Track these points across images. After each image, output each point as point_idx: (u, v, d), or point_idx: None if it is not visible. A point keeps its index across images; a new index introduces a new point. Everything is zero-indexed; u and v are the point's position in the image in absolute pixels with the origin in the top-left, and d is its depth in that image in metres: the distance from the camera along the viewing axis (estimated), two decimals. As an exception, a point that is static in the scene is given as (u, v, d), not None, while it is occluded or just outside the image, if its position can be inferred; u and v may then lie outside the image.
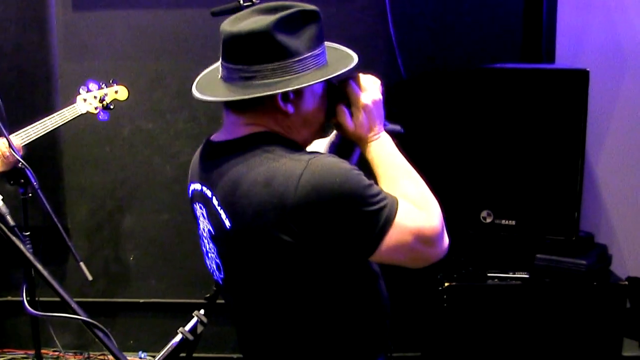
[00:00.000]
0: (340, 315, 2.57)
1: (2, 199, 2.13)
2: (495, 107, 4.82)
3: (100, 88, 5.20)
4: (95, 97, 5.17)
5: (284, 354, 2.64)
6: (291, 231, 2.30)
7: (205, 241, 2.64)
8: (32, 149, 5.12)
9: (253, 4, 4.57)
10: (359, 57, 2.58)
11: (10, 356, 6.52)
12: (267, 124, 2.49)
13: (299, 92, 2.44)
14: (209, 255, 2.66)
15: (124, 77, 5.51)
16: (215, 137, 2.62)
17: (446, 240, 2.43)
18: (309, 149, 2.70)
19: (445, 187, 5.41)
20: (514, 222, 4.79)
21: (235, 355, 6.12)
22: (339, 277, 2.50)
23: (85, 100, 5.15)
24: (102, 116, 5.22)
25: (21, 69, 6.07)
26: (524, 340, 4.70)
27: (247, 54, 2.40)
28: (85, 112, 5.14)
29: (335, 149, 2.73)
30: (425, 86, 5.58)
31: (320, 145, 2.83)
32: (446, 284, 4.71)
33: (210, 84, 2.60)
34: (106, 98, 5.20)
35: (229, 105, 2.52)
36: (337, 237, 2.32)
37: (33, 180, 4.62)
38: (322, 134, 2.73)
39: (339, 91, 2.58)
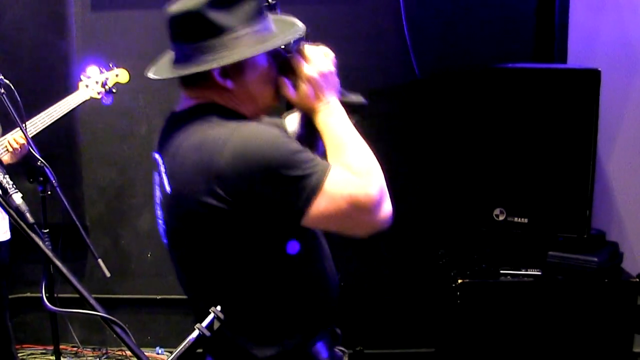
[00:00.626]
0: (275, 283, 2.56)
1: (22, 197, 2.14)
2: (507, 107, 4.83)
3: (100, 73, 5.22)
4: (96, 82, 5.18)
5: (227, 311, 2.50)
6: (219, 196, 2.32)
7: (157, 208, 2.69)
8: (50, 148, 5.16)
9: (269, 5, 4.60)
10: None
11: (29, 351, 6.56)
12: (211, 97, 2.54)
13: (237, 67, 2.47)
14: (159, 221, 2.70)
15: (142, 77, 5.51)
16: (174, 111, 2.67)
17: (385, 209, 2.39)
18: (288, 123, 2.84)
19: (458, 185, 5.46)
20: (526, 220, 4.79)
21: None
22: (271, 244, 2.48)
23: (87, 86, 5.17)
24: (106, 100, 5.24)
25: (40, 68, 6.10)
26: (535, 336, 4.70)
27: (183, 33, 2.47)
28: (88, 97, 5.17)
29: (305, 121, 2.73)
30: (438, 85, 5.58)
31: (293, 119, 2.87)
32: (459, 281, 4.72)
33: (162, 65, 2.67)
34: (108, 82, 5.20)
35: (180, 82, 2.59)
36: (263, 201, 2.33)
37: (52, 178, 4.64)
38: (275, 105, 2.72)
39: (286, 64, 2.59)
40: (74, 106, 5.11)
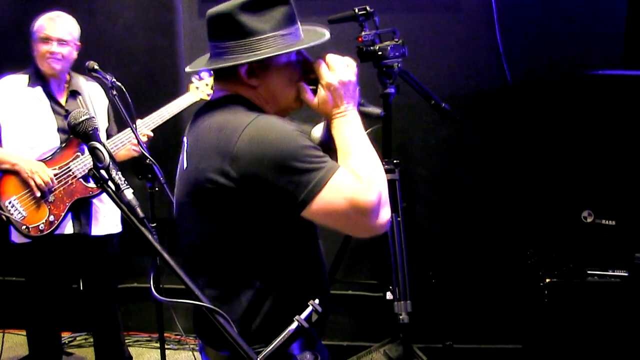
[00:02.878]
0: (267, 267, 2.58)
1: (132, 193, 2.17)
2: (597, 112, 4.78)
3: (210, 76, 5.30)
4: (206, 85, 5.33)
5: (222, 289, 2.63)
6: (228, 175, 2.40)
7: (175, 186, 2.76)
8: (158, 147, 5.23)
9: (367, 13, 4.63)
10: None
11: (135, 338, 6.69)
12: (238, 91, 2.66)
13: (263, 67, 2.59)
14: (174, 200, 2.80)
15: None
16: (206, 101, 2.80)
17: (382, 216, 2.43)
18: (315, 131, 2.88)
19: (548, 188, 5.41)
20: (613, 222, 4.73)
21: (345, 343, 6.14)
22: (269, 228, 2.53)
23: (197, 88, 5.30)
24: None
25: (151, 72, 6.22)
26: (621, 336, 4.64)
27: (217, 33, 2.59)
28: (198, 99, 5.32)
29: (329, 128, 2.72)
30: (529, 91, 5.54)
31: (319, 127, 2.90)
32: (547, 280, 4.69)
33: (199, 61, 2.82)
34: None
35: (214, 76, 2.77)
36: (269, 187, 2.39)
37: (160, 176, 4.72)
38: (297, 108, 2.78)
39: (310, 69, 2.67)
40: (184, 107, 5.22)
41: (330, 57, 2.65)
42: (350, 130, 2.59)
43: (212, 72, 2.79)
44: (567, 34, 5.57)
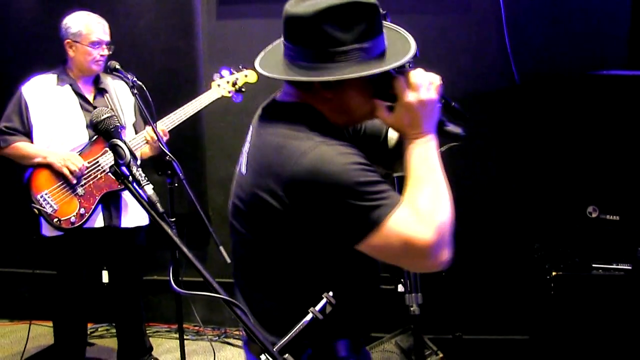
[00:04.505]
0: (310, 285, 2.44)
1: (153, 188, 2.18)
2: (602, 111, 4.78)
3: (231, 74, 5.38)
4: (227, 82, 5.35)
5: (262, 299, 2.57)
6: (281, 200, 2.29)
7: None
8: (178, 144, 5.26)
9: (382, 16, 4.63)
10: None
11: (155, 329, 6.73)
12: (309, 99, 2.44)
13: (339, 81, 2.33)
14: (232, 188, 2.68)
15: (261, 80, 5.58)
16: (276, 96, 2.62)
17: (443, 255, 2.25)
18: (392, 131, 2.75)
19: (554, 184, 5.42)
20: (617, 217, 4.74)
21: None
22: (310, 251, 2.41)
23: (219, 85, 5.33)
24: (236, 98, 5.40)
25: (170, 71, 6.25)
26: (625, 327, 4.65)
27: (296, 35, 2.37)
28: (220, 96, 5.35)
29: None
30: (536, 90, 5.55)
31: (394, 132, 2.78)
32: (553, 273, 4.69)
33: (272, 59, 2.56)
34: (238, 82, 5.36)
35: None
36: (321, 220, 2.28)
37: (179, 172, 4.76)
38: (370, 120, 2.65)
39: (389, 85, 2.42)
40: (207, 104, 5.25)
41: (412, 74, 2.41)
42: (423, 155, 2.38)
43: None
44: (573, 35, 5.58)
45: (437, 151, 2.40)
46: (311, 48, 2.34)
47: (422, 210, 2.25)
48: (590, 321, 4.68)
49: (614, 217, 4.75)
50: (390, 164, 2.79)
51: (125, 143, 2.24)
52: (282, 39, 2.50)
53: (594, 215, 4.81)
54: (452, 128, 2.52)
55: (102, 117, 2.26)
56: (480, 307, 5.87)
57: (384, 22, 2.46)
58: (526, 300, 5.54)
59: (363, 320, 2.65)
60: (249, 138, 2.61)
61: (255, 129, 2.57)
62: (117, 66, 4.93)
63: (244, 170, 2.52)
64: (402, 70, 2.42)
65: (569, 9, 5.60)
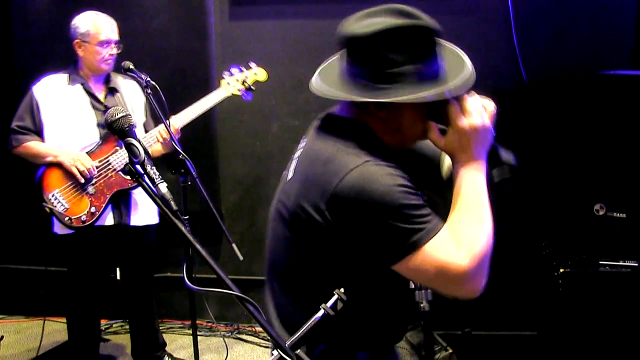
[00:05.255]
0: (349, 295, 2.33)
1: (166, 187, 2.19)
2: (608, 110, 4.79)
3: (241, 72, 5.38)
4: (237, 80, 5.35)
5: (290, 303, 2.57)
6: (323, 214, 2.29)
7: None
8: (191, 143, 5.27)
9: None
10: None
11: (168, 325, 6.75)
12: (363, 117, 2.43)
13: (394, 102, 2.31)
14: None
15: (274, 80, 5.61)
16: (332, 110, 2.60)
17: (478, 284, 2.25)
18: (447, 157, 2.65)
19: (561, 183, 5.42)
20: (624, 215, 4.73)
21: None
22: (347, 265, 2.38)
23: (228, 83, 5.34)
24: (246, 97, 5.40)
25: (183, 72, 6.27)
26: (632, 324, 4.65)
27: (354, 54, 2.36)
28: (230, 94, 5.34)
29: None
30: (544, 90, 5.54)
31: None
32: (561, 270, 4.70)
33: (330, 75, 2.52)
34: (247, 80, 5.35)
35: None
36: (360, 238, 2.27)
37: (192, 170, 4.76)
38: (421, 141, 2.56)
39: (443, 108, 2.38)
40: (217, 102, 5.25)
41: (466, 99, 2.37)
42: (470, 181, 2.36)
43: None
44: (581, 36, 5.58)
45: (484, 179, 2.39)
46: (367, 68, 2.33)
47: (462, 237, 2.25)
48: (597, 317, 4.69)
49: (621, 214, 4.75)
50: (442, 191, 2.72)
51: (139, 142, 2.25)
52: (339, 54, 2.50)
53: (601, 212, 4.81)
54: (505, 156, 2.47)
55: (117, 116, 2.27)
56: (489, 304, 5.86)
57: (440, 40, 2.46)
58: (534, 297, 5.54)
59: (386, 334, 2.63)
60: (301, 145, 2.62)
61: (309, 139, 2.56)
62: (131, 66, 4.94)
63: (290, 175, 2.53)
64: (457, 95, 2.37)
65: (577, 9, 5.61)
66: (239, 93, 5.32)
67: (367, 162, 2.27)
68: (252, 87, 5.36)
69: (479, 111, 2.36)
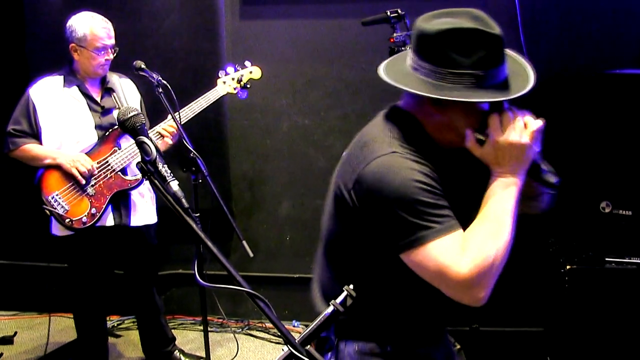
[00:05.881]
0: (376, 283, 2.52)
1: (178, 184, 2.20)
2: (615, 109, 4.79)
3: (236, 70, 5.40)
4: (233, 79, 5.36)
5: (331, 284, 2.65)
6: (350, 195, 2.40)
7: None
8: (202, 142, 5.28)
9: (399, 15, 4.66)
10: None
11: (179, 321, 6.77)
12: (417, 111, 2.48)
13: (448, 102, 2.32)
14: None
15: (284, 79, 5.62)
16: (398, 102, 2.63)
17: (477, 294, 2.26)
18: None
19: (568, 180, 5.41)
20: (630, 213, 4.74)
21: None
22: (375, 251, 2.43)
23: (224, 82, 5.36)
24: (241, 94, 5.41)
25: (194, 71, 6.27)
26: (638, 320, 4.65)
27: (419, 48, 2.38)
28: (225, 93, 5.36)
29: None
30: (552, 89, 5.53)
31: None
32: (568, 267, 4.70)
33: (401, 64, 2.52)
34: (242, 78, 5.37)
35: None
36: (374, 223, 2.36)
37: (203, 168, 4.77)
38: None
39: (484, 117, 2.39)
40: (213, 100, 5.27)
41: (506, 115, 2.37)
42: (499, 195, 2.35)
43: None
44: (588, 34, 5.57)
45: (514, 197, 2.36)
46: (429, 64, 2.34)
47: (470, 245, 2.27)
48: (603, 314, 4.69)
49: (627, 212, 4.76)
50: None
51: (151, 140, 2.27)
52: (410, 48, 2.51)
53: (607, 210, 4.81)
54: (546, 176, 2.46)
55: (129, 115, 2.30)
56: (496, 300, 5.86)
57: (513, 55, 2.52)
58: (541, 293, 5.54)
59: (414, 327, 2.65)
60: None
61: (369, 123, 2.62)
62: (142, 65, 4.94)
63: (344, 153, 2.62)
64: (500, 108, 2.38)
65: (583, 8, 5.60)
66: (234, 91, 5.34)
67: (394, 152, 2.36)
68: (248, 85, 5.38)
69: (518, 128, 2.35)
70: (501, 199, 2.34)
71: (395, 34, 4.61)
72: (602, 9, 5.57)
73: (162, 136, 5.14)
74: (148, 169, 2.23)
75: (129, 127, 2.30)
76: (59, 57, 6.01)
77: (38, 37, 6.50)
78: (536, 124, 2.39)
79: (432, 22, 2.35)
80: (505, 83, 2.39)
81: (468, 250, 2.25)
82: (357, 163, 2.39)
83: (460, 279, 2.23)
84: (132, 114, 2.30)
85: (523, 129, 2.35)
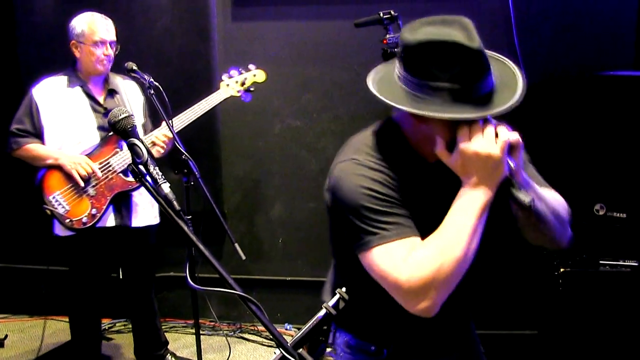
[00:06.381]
0: (351, 275, 2.56)
1: (169, 187, 2.20)
2: (608, 111, 4.80)
3: (240, 73, 5.38)
4: (236, 82, 5.34)
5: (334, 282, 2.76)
6: (325, 196, 2.50)
7: None
8: (194, 144, 5.27)
9: (392, 17, 4.66)
10: None
11: (171, 324, 6.77)
12: (402, 121, 2.49)
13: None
14: None
15: (276, 81, 5.62)
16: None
17: (419, 304, 2.23)
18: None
19: (561, 183, 5.42)
20: (624, 215, 4.74)
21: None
22: (350, 252, 2.42)
23: (227, 85, 5.33)
24: (245, 97, 5.40)
25: (186, 73, 6.27)
26: (632, 323, 4.65)
27: (402, 58, 2.32)
28: (228, 96, 5.34)
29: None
30: (545, 91, 5.54)
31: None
32: (561, 270, 4.71)
33: (389, 67, 2.48)
34: (246, 82, 5.36)
35: None
36: (337, 225, 2.49)
37: (195, 171, 4.77)
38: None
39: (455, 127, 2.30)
40: (216, 104, 5.25)
41: (475, 125, 2.27)
42: (461, 209, 2.28)
43: None
44: (581, 36, 5.59)
45: (478, 210, 2.27)
46: (409, 73, 2.30)
47: (418, 254, 2.25)
48: (597, 317, 4.70)
49: (621, 214, 4.76)
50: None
51: (142, 142, 2.26)
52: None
53: (601, 212, 4.81)
54: (519, 194, 2.30)
55: (121, 117, 2.28)
56: (489, 303, 5.88)
57: (507, 62, 2.47)
58: (535, 296, 5.55)
59: (393, 328, 2.64)
60: None
61: None
62: (134, 67, 4.95)
63: None
64: (471, 119, 2.26)
65: (577, 10, 5.61)
66: (238, 94, 5.32)
67: (353, 159, 2.42)
68: (251, 89, 5.36)
69: (487, 137, 2.26)
70: (462, 212, 2.28)
71: (388, 36, 4.61)
72: (596, 10, 5.58)
73: (155, 145, 5.13)
74: (139, 171, 2.23)
75: (120, 129, 2.29)
76: (50, 58, 6.02)
77: (30, 39, 6.50)
78: (508, 135, 2.30)
79: (416, 31, 2.28)
80: (487, 97, 2.29)
81: (411, 258, 2.24)
82: (331, 168, 2.48)
83: (399, 287, 2.24)
84: (123, 115, 2.29)
85: (492, 139, 2.26)
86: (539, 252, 5.21)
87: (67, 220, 4.98)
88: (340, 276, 2.69)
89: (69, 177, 5.01)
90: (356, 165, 2.39)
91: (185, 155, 4.75)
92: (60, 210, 4.97)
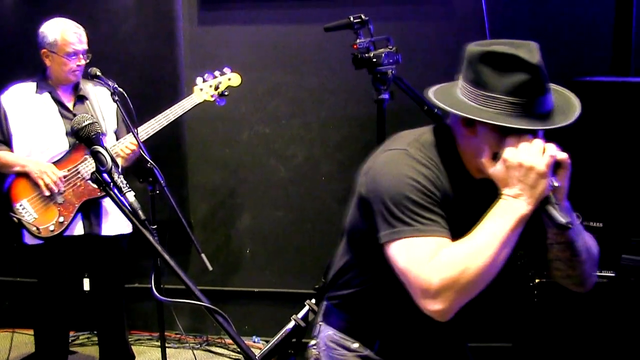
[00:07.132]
0: (362, 276, 2.66)
1: (134, 195, 2.19)
2: (586, 117, 4.77)
3: (214, 77, 5.35)
4: (210, 86, 5.30)
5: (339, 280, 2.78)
6: (362, 181, 2.55)
7: None
8: (159, 151, 5.24)
9: (362, 21, 4.64)
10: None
11: (136, 337, 6.73)
12: (455, 128, 2.51)
13: (479, 123, 2.35)
14: None
15: (244, 87, 5.57)
16: None
17: (433, 306, 2.24)
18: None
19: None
20: (601, 224, 4.75)
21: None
22: (374, 246, 2.44)
23: (201, 89, 5.29)
24: (219, 102, 5.38)
25: (152, 78, 6.25)
26: (608, 334, 4.66)
27: (463, 69, 2.43)
28: (202, 100, 5.31)
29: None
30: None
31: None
32: (537, 280, 4.71)
33: (448, 88, 2.57)
34: (220, 86, 5.32)
35: None
36: (370, 209, 2.45)
37: (160, 179, 4.76)
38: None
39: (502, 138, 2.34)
40: (189, 108, 5.23)
41: (524, 137, 2.32)
42: (495, 218, 2.29)
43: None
44: (558, 42, 5.60)
45: (513, 223, 2.28)
46: (467, 83, 2.39)
47: (445, 254, 2.26)
48: (573, 328, 4.70)
49: (598, 224, 4.76)
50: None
51: (106, 150, 2.24)
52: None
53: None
54: (556, 214, 2.34)
55: (84, 124, 2.26)
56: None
57: (564, 91, 2.58)
58: (510, 308, 5.54)
59: (401, 326, 2.70)
60: None
61: None
62: (98, 73, 4.92)
63: None
64: (525, 129, 2.31)
65: (553, 15, 5.63)
66: (211, 99, 5.29)
67: (405, 150, 2.47)
68: (226, 93, 5.32)
69: (534, 150, 2.30)
70: (496, 222, 2.29)
71: (358, 40, 4.59)
72: (573, 15, 5.60)
73: (125, 154, 5.09)
74: (103, 180, 2.20)
75: (84, 137, 2.27)
76: (14, 66, 5.95)
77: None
78: (556, 152, 2.36)
79: (482, 45, 2.37)
80: (544, 115, 2.36)
81: (438, 257, 2.24)
82: (377, 152, 2.56)
83: (419, 285, 2.25)
84: (86, 122, 2.26)
85: (539, 152, 2.30)
86: (514, 263, 5.21)
87: (34, 228, 4.96)
88: (348, 267, 2.72)
89: (36, 184, 4.98)
90: (406, 156, 2.44)
91: (151, 163, 4.72)
92: (28, 218, 4.95)
